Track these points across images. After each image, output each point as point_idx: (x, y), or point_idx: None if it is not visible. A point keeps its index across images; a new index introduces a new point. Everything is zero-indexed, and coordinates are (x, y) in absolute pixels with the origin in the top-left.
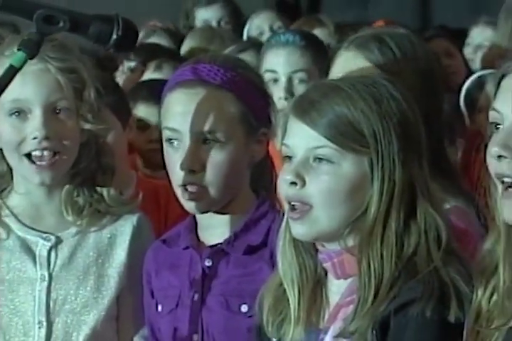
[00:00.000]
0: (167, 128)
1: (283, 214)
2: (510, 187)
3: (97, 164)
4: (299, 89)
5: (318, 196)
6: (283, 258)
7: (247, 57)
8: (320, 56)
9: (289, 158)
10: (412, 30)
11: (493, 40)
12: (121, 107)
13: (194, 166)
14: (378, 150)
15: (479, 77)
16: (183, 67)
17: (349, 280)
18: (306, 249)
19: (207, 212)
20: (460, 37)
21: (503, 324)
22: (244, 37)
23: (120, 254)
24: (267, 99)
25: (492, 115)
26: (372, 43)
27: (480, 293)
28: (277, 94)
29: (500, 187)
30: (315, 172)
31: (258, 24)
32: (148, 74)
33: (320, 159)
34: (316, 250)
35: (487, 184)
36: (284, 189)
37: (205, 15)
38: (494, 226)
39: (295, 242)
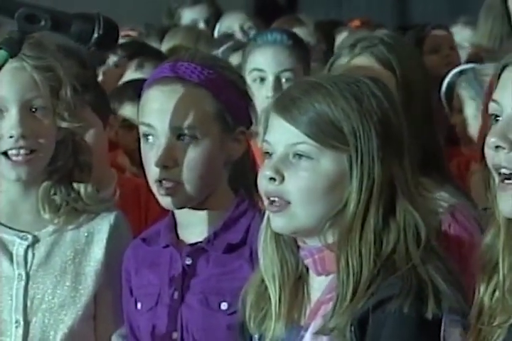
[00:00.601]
0: (143, 124)
1: (263, 213)
2: (506, 179)
3: (75, 162)
4: None
5: (296, 192)
6: (264, 254)
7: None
8: (305, 55)
9: (269, 154)
10: (389, 30)
11: (471, 40)
12: (101, 106)
13: (168, 162)
14: (357, 148)
15: (460, 71)
16: (162, 64)
17: (330, 276)
18: (288, 245)
19: (183, 207)
20: None
21: (505, 321)
22: (215, 36)
23: (97, 253)
24: (246, 98)
25: (492, 106)
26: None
27: (482, 289)
28: (264, 93)
29: (497, 179)
30: (294, 168)
31: (228, 24)
32: (130, 74)
33: (299, 155)
34: (298, 246)
35: (486, 177)
36: (264, 184)
37: (192, 15)
38: (494, 220)
39: (276, 238)
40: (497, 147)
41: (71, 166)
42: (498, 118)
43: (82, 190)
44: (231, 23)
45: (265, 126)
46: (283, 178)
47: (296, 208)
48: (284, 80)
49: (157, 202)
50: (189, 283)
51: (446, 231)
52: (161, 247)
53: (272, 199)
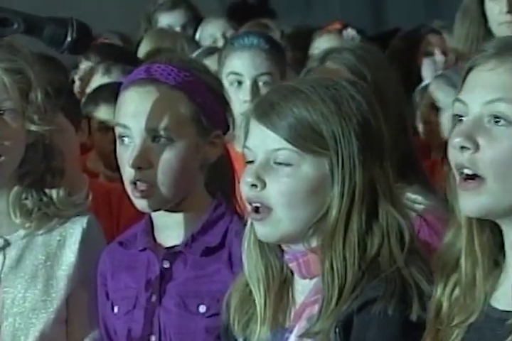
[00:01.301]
0: (119, 125)
1: (242, 217)
2: (467, 178)
3: (46, 166)
4: (264, 92)
5: (278, 198)
6: (249, 259)
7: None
8: (282, 60)
9: (251, 160)
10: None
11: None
12: (73, 110)
13: (143, 163)
14: (338, 152)
15: (440, 75)
16: (139, 66)
17: (314, 279)
18: (272, 250)
19: (158, 210)
20: None
21: (464, 320)
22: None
23: (69, 256)
24: (222, 102)
25: (456, 106)
26: None
27: (440, 289)
28: (242, 97)
29: (458, 178)
30: (275, 174)
31: (211, 32)
32: (98, 78)
33: (280, 161)
34: (282, 250)
35: (447, 177)
36: (246, 191)
37: (169, 20)
38: (454, 219)
39: (260, 243)
40: (462, 147)
41: (43, 170)
42: (462, 118)
43: (54, 195)
44: (214, 31)
45: (245, 132)
46: (264, 184)
47: (279, 213)
48: (261, 84)
49: (130, 206)
50: (166, 287)
51: (417, 235)
52: (137, 250)
53: (254, 205)
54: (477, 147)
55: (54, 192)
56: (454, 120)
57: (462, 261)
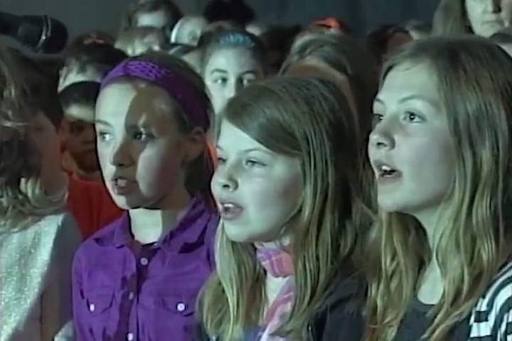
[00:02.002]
0: (99, 122)
1: (219, 215)
2: (385, 174)
3: (22, 164)
4: None
5: (251, 198)
6: (221, 257)
7: (191, 58)
8: (265, 58)
9: (223, 160)
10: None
11: None
12: (53, 109)
13: (124, 160)
14: (310, 152)
15: None
16: (120, 63)
17: (287, 277)
18: (245, 248)
19: (138, 207)
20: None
21: (394, 317)
22: (173, 41)
23: (44, 255)
24: (203, 99)
25: (376, 106)
26: None
27: (374, 289)
28: (226, 94)
29: (377, 173)
30: (247, 174)
31: (191, 30)
32: (72, 77)
33: (252, 162)
34: (255, 248)
35: (370, 174)
36: (218, 191)
37: (149, 21)
38: (376, 216)
39: (233, 241)
40: (379, 144)
41: (18, 168)
42: (381, 117)
43: (29, 193)
44: (193, 28)
45: (218, 132)
46: (237, 185)
47: (251, 213)
48: (245, 82)
49: (110, 204)
50: (145, 284)
51: None
52: (114, 248)
53: (226, 205)
54: (393, 143)
55: (30, 190)
56: (375, 120)
57: (382, 257)
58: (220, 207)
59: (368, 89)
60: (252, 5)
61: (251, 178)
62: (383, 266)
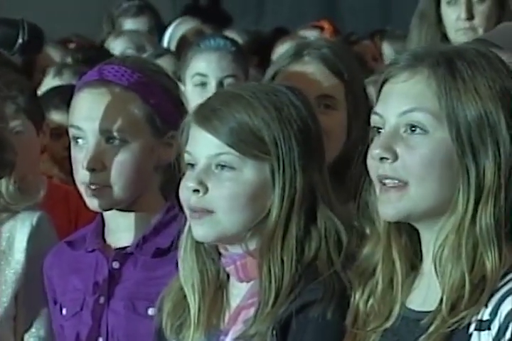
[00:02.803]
0: (72, 127)
1: (185, 220)
2: (389, 186)
3: None
4: None
5: (220, 202)
6: (184, 264)
7: (164, 62)
8: (245, 64)
9: (192, 165)
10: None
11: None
12: (35, 112)
13: (96, 165)
14: (279, 157)
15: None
16: (93, 68)
17: (251, 283)
18: (208, 254)
19: (110, 209)
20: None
21: (379, 326)
22: (165, 45)
23: (18, 254)
24: (177, 103)
25: (373, 119)
26: None
27: (358, 295)
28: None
29: (378, 187)
30: (217, 179)
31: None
32: (49, 81)
33: (222, 166)
34: (219, 254)
35: (368, 187)
36: (187, 196)
37: (134, 26)
38: (374, 230)
39: (197, 248)
40: (381, 158)
41: None
42: (380, 130)
43: (3, 188)
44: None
45: (186, 137)
46: (207, 189)
47: (220, 216)
48: (226, 86)
49: (88, 208)
50: (115, 288)
51: None
52: (86, 252)
53: (195, 210)
54: (396, 156)
55: (3, 187)
56: (372, 132)
57: (379, 268)
58: (187, 211)
59: (358, 95)
60: (229, 9)
61: (221, 182)
62: (379, 275)
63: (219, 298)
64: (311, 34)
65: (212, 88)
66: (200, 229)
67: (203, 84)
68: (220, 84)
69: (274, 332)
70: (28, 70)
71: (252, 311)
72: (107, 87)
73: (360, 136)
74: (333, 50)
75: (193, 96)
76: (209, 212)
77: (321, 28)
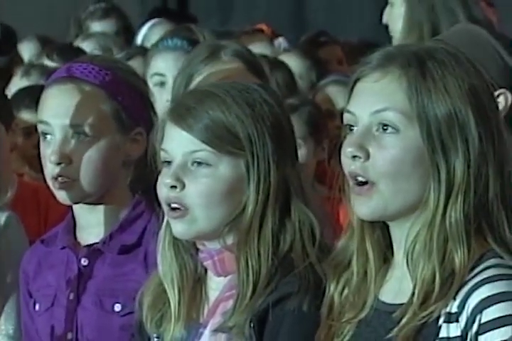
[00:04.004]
0: (41, 122)
1: (163, 216)
2: (360, 184)
3: None
4: None
5: (197, 198)
6: (163, 259)
7: (135, 63)
8: None
9: (168, 162)
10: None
11: None
12: (4, 110)
13: (63, 159)
14: (253, 153)
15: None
16: (62, 66)
17: (228, 277)
18: (187, 250)
19: (78, 202)
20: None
21: (354, 317)
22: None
23: None
24: (144, 100)
25: (346, 117)
26: None
27: (332, 287)
28: (165, 96)
29: (351, 184)
30: (194, 175)
31: (161, 34)
32: (17, 81)
33: (198, 163)
34: (197, 249)
35: (342, 183)
36: (164, 192)
37: (100, 28)
38: (349, 223)
39: (175, 243)
40: (354, 157)
41: None
42: (352, 127)
43: None
44: (164, 32)
45: (161, 135)
46: (184, 185)
47: (197, 212)
48: None
49: (58, 205)
50: (85, 285)
51: None
52: (58, 249)
53: (173, 206)
54: (368, 155)
55: None
56: (344, 130)
57: (354, 261)
58: (165, 207)
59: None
60: (194, 11)
61: (197, 179)
62: (354, 267)
63: (198, 291)
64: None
65: (169, 87)
66: (179, 227)
67: (162, 84)
68: None
69: (252, 324)
70: (9, 70)
71: (230, 304)
72: (73, 83)
73: None
74: (247, 49)
75: (154, 96)
76: (186, 208)
77: (261, 31)
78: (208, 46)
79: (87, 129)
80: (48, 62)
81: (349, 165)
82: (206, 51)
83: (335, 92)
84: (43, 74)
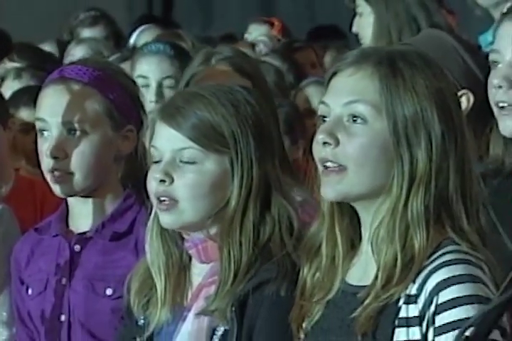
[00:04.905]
0: (38, 120)
1: (150, 208)
2: (329, 169)
3: None
4: (168, 93)
5: (184, 192)
6: (151, 248)
7: (127, 66)
8: (184, 65)
9: (157, 160)
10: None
11: None
12: (0, 109)
13: (59, 154)
14: (237, 150)
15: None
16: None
17: (211, 263)
18: (173, 239)
19: (72, 195)
20: None
21: (323, 297)
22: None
23: None
24: (135, 100)
25: (321, 108)
26: None
27: (306, 270)
28: (148, 97)
29: (321, 169)
30: (181, 171)
31: (150, 39)
32: (9, 83)
33: (186, 160)
34: (182, 239)
35: (314, 170)
36: (154, 186)
37: (90, 35)
38: (319, 210)
39: (162, 233)
40: (324, 143)
41: None
42: (325, 118)
43: None
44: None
45: (151, 133)
46: (172, 180)
47: (184, 205)
48: (165, 87)
49: (53, 198)
50: (77, 270)
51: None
52: (50, 236)
53: (161, 199)
54: (337, 142)
55: None
56: (319, 120)
57: (323, 245)
58: (154, 200)
59: (270, 97)
60: (177, 18)
61: (185, 174)
62: (323, 251)
63: (182, 277)
64: (259, 29)
65: (152, 89)
66: (167, 218)
67: (146, 86)
68: (159, 85)
69: (233, 308)
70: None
71: (212, 289)
72: (68, 83)
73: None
74: (238, 54)
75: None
76: (174, 201)
77: (271, 24)
78: (203, 52)
79: (81, 126)
80: (10, 64)
81: (320, 151)
82: (202, 56)
83: (314, 92)
84: (34, 77)
